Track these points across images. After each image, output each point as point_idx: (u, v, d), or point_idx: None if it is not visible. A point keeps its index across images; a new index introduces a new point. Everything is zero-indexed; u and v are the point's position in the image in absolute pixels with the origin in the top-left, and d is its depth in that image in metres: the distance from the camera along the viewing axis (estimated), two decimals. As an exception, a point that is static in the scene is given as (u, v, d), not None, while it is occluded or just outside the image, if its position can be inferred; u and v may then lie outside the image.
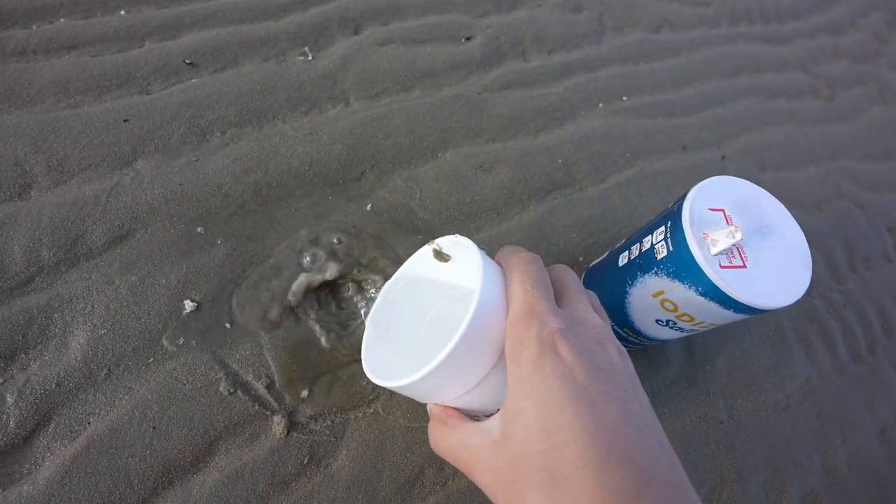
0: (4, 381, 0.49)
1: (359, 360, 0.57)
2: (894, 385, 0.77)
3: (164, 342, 0.53)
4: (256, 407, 0.53)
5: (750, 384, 0.71)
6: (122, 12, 0.71)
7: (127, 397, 0.51)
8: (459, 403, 0.38)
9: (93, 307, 0.54)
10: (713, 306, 0.46)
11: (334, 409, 0.54)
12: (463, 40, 0.82)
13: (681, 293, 0.48)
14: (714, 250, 0.45)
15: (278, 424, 0.52)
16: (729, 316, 0.47)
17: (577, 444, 0.25)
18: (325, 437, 0.53)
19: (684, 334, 0.55)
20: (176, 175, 0.61)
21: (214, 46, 0.70)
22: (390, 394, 0.56)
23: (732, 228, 0.44)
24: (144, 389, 0.51)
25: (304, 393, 0.54)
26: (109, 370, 0.51)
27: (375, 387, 0.56)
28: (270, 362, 0.54)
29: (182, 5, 0.73)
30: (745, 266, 0.45)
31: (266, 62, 0.71)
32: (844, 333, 0.79)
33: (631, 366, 0.33)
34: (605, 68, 0.89)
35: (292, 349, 0.55)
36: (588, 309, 0.36)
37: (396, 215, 0.64)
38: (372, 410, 0.55)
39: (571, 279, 0.40)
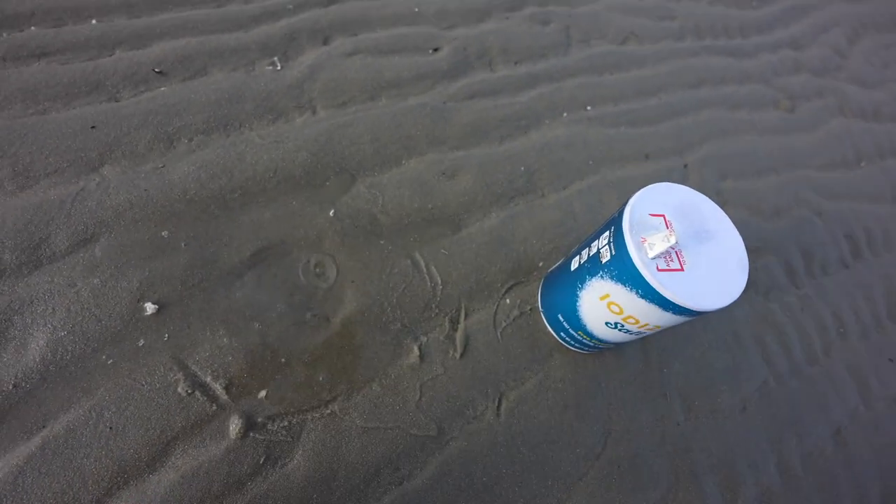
0: (-39, 382, 0.50)
1: (319, 360, 0.58)
2: (849, 387, 0.79)
3: (124, 344, 0.54)
4: (214, 407, 0.54)
5: (707, 387, 0.73)
6: (94, 21, 0.72)
7: (85, 398, 0.52)
8: None
9: (53, 310, 0.54)
10: (653, 308, 0.48)
11: (291, 410, 0.55)
12: (430, 51, 0.84)
13: (624, 296, 0.50)
14: (651, 254, 0.46)
15: (235, 425, 0.53)
16: (670, 318, 0.49)
17: None
18: (281, 438, 0.54)
19: (633, 336, 0.56)
20: (142, 181, 0.62)
21: (184, 56, 0.72)
22: (347, 395, 0.57)
23: (668, 233, 0.46)
24: (102, 391, 0.52)
25: (262, 393, 0.55)
26: (68, 371, 0.52)
27: (333, 388, 0.57)
28: (230, 363, 0.55)
29: (153, 15, 0.74)
30: (682, 269, 0.47)
31: (235, 71, 0.73)
32: (800, 337, 0.81)
33: None
34: (571, 79, 0.92)
35: (253, 350, 0.57)
36: None
37: (359, 221, 0.66)
38: (329, 411, 0.56)
39: None
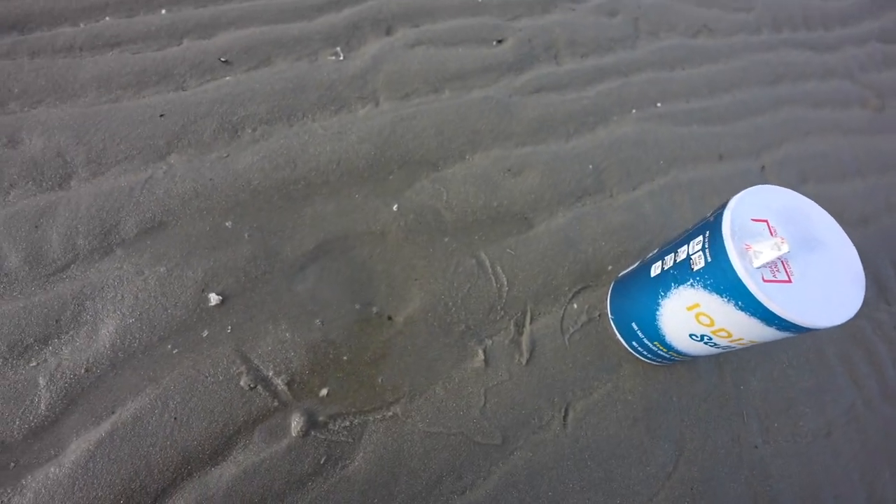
0: (38, 364, 0.50)
1: (382, 360, 0.56)
2: (947, 415, 0.72)
3: (189, 334, 0.54)
4: (276, 403, 0.53)
5: (787, 407, 0.67)
6: (164, 11, 0.73)
7: (151, 387, 0.51)
8: None
9: (123, 296, 0.55)
10: (754, 323, 0.44)
11: (353, 410, 0.54)
12: (494, 43, 0.81)
13: (718, 307, 0.46)
14: (757, 263, 0.42)
15: (297, 422, 0.52)
16: (770, 333, 0.44)
17: None
18: (342, 438, 0.52)
19: (719, 351, 0.52)
20: (207, 170, 0.62)
21: (249, 45, 0.72)
22: (410, 397, 0.55)
23: (778, 240, 0.42)
24: (168, 380, 0.52)
25: (324, 392, 0.54)
26: (136, 359, 0.52)
27: (396, 390, 0.55)
28: (292, 359, 0.54)
29: (219, 5, 0.74)
30: (789, 281, 0.42)
31: (298, 61, 0.72)
32: (893, 357, 0.74)
33: None
34: (640, 73, 0.87)
35: (314, 347, 0.55)
36: None
37: (423, 216, 0.64)
38: (391, 413, 0.54)
39: None
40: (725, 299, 0.44)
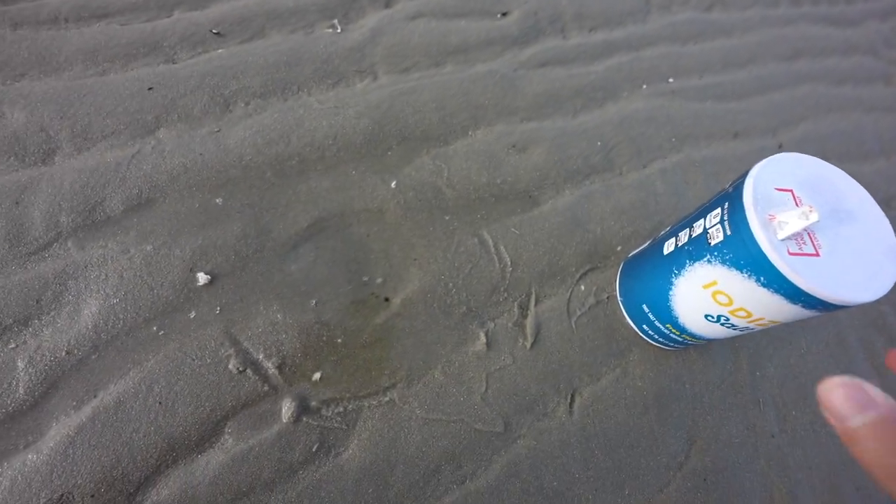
0: (17, 345, 0.48)
1: (378, 343, 0.53)
2: (976, 406, 0.68)
3: (175, 315, 0.51)
4: (266, 388, 0.50)
5: (805, 395, 0.64)
6: (153, -18, 0.70)
7: (135, 370, 0.49)
8: None
9: (107, 276, 0.52)
10: (776, 300, 0.40)
11: (347, 395, 0.51)
12: (499, 15, 0.77)
13: (738, 284, 0.42)
14: (781, 234, 0.39)
15: (288, 408, 0.49)
16: (794, 312, 0.41)
17: None
18: (336, 425, 0.50)
19: (736, 333, 0.49)
20: (197, 145, 0.59)
21: (242, 17, 0.69)
22: (407, 382, 0.52)
23: (806, 208, 0.38)
24: (153, 363, 0.49)
25: (317, 376, 0.51)
26: (119, 341, 0.50)
27: (393, 374, 0.52)
28: (284, 341, 0.52)
29: (212, -24, 0.71)
30: (817, 254, 0.39)
31: (293, 34, 0.69)
32: (917, 345, 0.70)
33: None
34: (651, 48, 0.83)
35: (307, 329, 0.52)
36: None
37: (423, 194, 0.61)
38: (388, 399, 0.51)
39: None
40: (746, 275, 0.41)
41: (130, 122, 0.60)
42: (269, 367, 0.51)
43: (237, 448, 0.48)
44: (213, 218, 0.56)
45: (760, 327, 0.46)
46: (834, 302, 0.38)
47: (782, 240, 0.39)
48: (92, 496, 0.44)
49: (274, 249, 0.55)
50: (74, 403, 0.47)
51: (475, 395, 0.53)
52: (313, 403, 0.50)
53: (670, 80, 0.80)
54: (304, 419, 0.49)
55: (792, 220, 0.38)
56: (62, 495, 0.43)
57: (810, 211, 0.38)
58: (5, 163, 0.55)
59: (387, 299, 0.55)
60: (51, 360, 0.48)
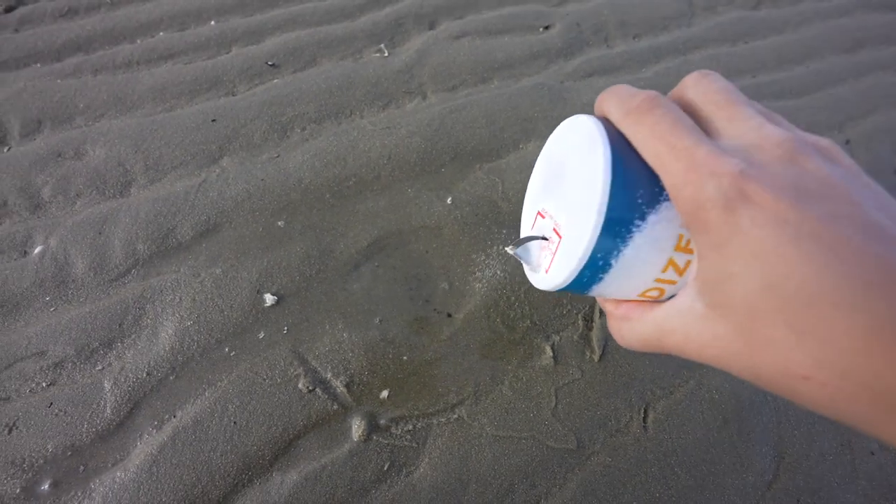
0: (103, 367, 0.50)
1: (443, 359, 0.53)
2: None
3: (245, 336, 0.53)
4: (335, 406, 0.50)
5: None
6: (213, 22, 0.74)
7: (210, 390, 0.50)
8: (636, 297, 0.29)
9: (181, 299, 0.54)
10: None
11: (416, 413, 0.50)
12: (541, 29, 0.78)
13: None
14: (542, 265, 0.31)
15: (358, 426, 0.49)
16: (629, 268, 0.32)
17: (813, 285, 0.21)
18: (406, 443, 0.49)
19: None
20: (258, 170, 0.62)
21: (295, 48, 0.72)
22: (475, 398, 0.51)
23: (544, 237, 0.31)
24: (226, 383, 0.51)
25: (385, 394, 0.51)
26: (194, 362, 0.51)
27: (460, 390, 0.52)
28: (350, 360, 0.52)
29: (265, 12, 0.75)
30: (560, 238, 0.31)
31: (343, 60, 0.71)
32: None
33: (847, 160, 0.24)
34: (698, 50, 0.81)
35: (373, 346, 0.53)
36: (759, 123, 0.26)
37: (479, 208, 0.61)
38: (456, 416, 0.50)
39: (716, 91, 0.28)
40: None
41: (197, 153, 0.63)
42: (338, 385, 0.51)
43: (310, 467, 0.48)
44: (277, 240, 0.58)
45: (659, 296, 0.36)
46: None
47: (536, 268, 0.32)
48: (175, 515, 0.45)
49: (336, 269, 0.56)
50: (156, 423, 0.48)
51: (545, 411, 0.51)
52: (382, 422, 0.50)
53: (722, 80, 0.78)
54: (375, 437, 0.49)
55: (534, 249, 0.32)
56: (148, 514, 0.44)
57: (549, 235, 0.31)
58: (88, 196, 0.59)
59: (449, 315, 0.54)
60: (133, 381, 0.50)
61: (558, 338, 0.55)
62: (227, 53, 0.72)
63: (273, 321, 0.54)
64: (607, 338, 0.55)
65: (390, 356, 0.52)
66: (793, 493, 0.52)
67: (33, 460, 0.46)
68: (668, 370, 0.55)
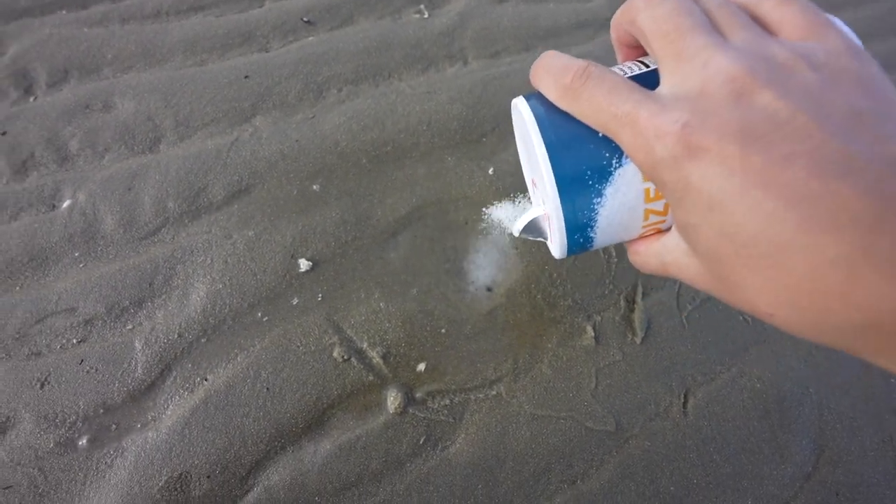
0: (133, 327, 0.49)
1: (482, 334, 0.52)
2: None
3: (278, 301, 0.51)
4: (371, 377, 0.49)
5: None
6: (245, -26, 0.71)
7: (242, 355, 0.49)
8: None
9: (212, 261, 0.53)
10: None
11: (453, 388, 0.49)
12: (589, -4, 0.74)
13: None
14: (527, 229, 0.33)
15: (394, 399, 0.48)
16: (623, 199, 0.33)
17: (764, 232, 0.22)
18: (442, 417, 0.48)
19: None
20: (293, 131, 0.59)
21: (331, 4, 0.68)
22: (514, 375, 0.50)
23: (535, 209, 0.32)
24: (259, 348, 0.49)
25: (422, 366, 0.50)
26: (226, 325, 0.50)
27: (498, 367, 0.50)
28: (387, 330, 0.50)
29: (301, -35, 0.71)
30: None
31: (381, 20, 0.68)
32: None
33: (824, 55, 0.23)
34: (752, 27, 0.77)
35: (410, 318, 0.51)
36: (706, 58, 0.21)
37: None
38: (495, 392, 0.49)
39: (665, 18, 0.26)
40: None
41: (229, 110, 0.60)
42: (374, 356, 0.50)
43: (344, 437, 0.47)
44: (312, 204, 0.56)
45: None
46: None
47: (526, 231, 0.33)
48: (208, 477, 0.44)
49: (373, 237, 0.54)
50: (188, 385, 0.47)
51: (585, 392, 0.50)
52: (419, 395, 0.49)
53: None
54: (411, 410, 0.48)
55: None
56: (181, 474, 0.44)
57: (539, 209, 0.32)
58: (117, 151, 0.57)
59: (489, 289, 0.53)
60: (165, 343, 0.49)
61: (600, 318, 0.53)
62: (261, 7, 0.68)
63: (307, 287, 0.52)
64: (650, 320, 0.54)
65: (428, 329, 0.51)
66: (832, 486, 0.51)
67: (66, 416, 0.45)
68: (710, 356, 0.54)
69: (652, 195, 0.28)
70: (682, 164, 0.23)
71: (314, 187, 0.56)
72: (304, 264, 0.53)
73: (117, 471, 0.44)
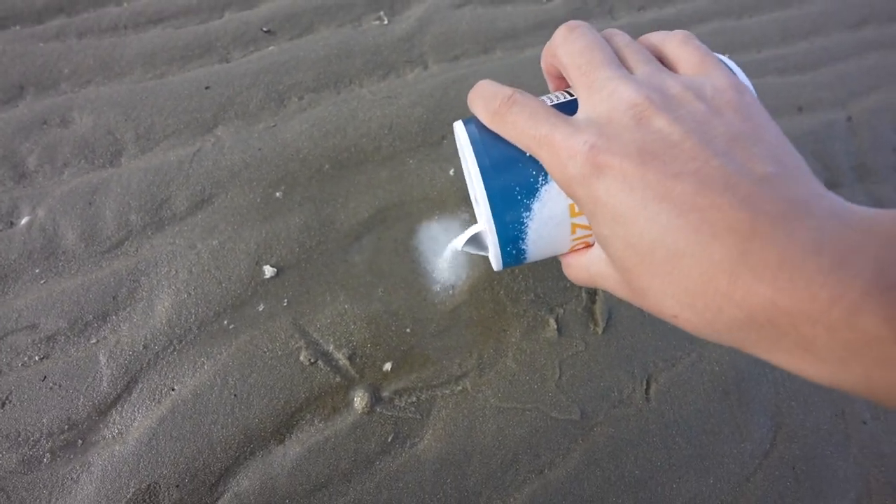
0: (98, 340, 0.49)
1: (447, 331, 0.53)
2: None
3: (244, 308, 0.52)
4: (338, 378, 0.50)
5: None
6: (204, -15, 0.71)
7: (209, 363, 0.49)
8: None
9: (177, 271, 0.53)
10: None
11: (420, 385, 0.50)
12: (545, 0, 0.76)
13: None
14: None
15: (361, 398, 0.49)
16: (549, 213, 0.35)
17: (662, 241, 0.24)
18: (410, 415, 0.49)
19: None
20: (255, 140, 0.60)
21: (291, 14, 0.69)
22: (479, 370, 0.51)
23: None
24: (225, 356, 0.50)
25: (387, 366, 0.50)
26: (192, 335, 0.50)
27: (463, 362, 0.51)
28: (353, 332, 0.51)
29: (259, -24, 0.72)
30: None
31: (341, 27, 0.69)
32: None
33: (711, 90, 0.27)
34: (704, 24, 0.80)
35: (376, 319, 0.52)
36: (612, 89, 0.27)
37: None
38: (461, 388, 0.50)
39: (580, 53, 0.30)
40: None
41: (190, 121, 0.61)
42: (340, 357, 0.50)
43: (313, 439, 0.47)
44: (275, 211, 0.56)
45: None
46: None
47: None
48: (177, 486, 0.44)
49: (337, 240, 0.55)
50: (154, 396, 0.47)
51: (549, 383, 0.51)
52: (386, 394, 0.49)
53: (727, 55, 0.77)
54: (378, 409, 0.49)
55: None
56: (149, 485, 0.44)
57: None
58: (77, 166, 0.57)
59: (452, 287, 0.54)
60: (130, 355, 0.49)
61: (562, 310, 0.54)
62: (220, 18, 0.69)
63: (273, 293, 0.53)
64: (611, 310, 0.55)
65: (393, 328, 0.52)
66: (789, 461, 0.53)
67: (29, 434, 0.45)
68: (670, 342, 0.55)
69: (577, 209, 0.30)
70: (590, 181, 0.25)
71: (277, 194, 0.57)
72: (268, 271, 0.53)
73: (83, 486, 0.44)
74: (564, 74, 0.31)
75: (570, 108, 0.30)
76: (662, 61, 0.31)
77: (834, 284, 0.19)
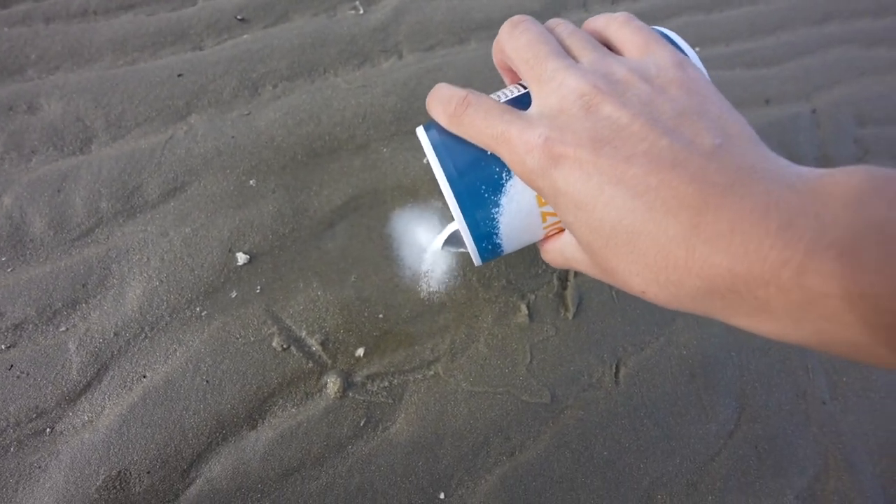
0: (67, 328, 0.49)
1: (419, 317, 0.53)
2: None
3: (217, 295, 0.52)
4: (310, 364, 0.50)
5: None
6: (176, -28, 0.70)
7: (181, 350, 0.49)
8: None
9: (148, 259, 0.52)
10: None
11: (392, 370, 0.51)
12: (520, -9, 0.76)
13: None
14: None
15: (333, 384, 0.49)
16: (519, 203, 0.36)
17: (621, 222, 0.25)
18: (382, 399, 0.50)
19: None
20: (228, 128, 0.59)
21: (265, 2, 0.69)
22: (451, 355, 0.52)
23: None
24: (198, 342, 0.50)
25: (360, 351, 0.51)
26: (164, 322, 0.50)
27: (436, 347, 0.52)
28: (325, 318, 0.51)
29: (234, -36, 0.71)
30: None
31: (316, 16, 0.69)
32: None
33: (654, 71, 0.28)
34: (675, 18, 0.81)
35: (348, 305, 0.52)
36: (560, 80, 0.28)
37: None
38: (432, 372, 0.51)
39: (525, 48, 0.30)
40: None
41: (162, 109, 0.60)
42: (313, 343, 0.50)
43: (285, 425, 0.48)
44: (248, 199, 0.56)
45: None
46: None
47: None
48: (148, 472, 0.44)
49: (310, 228, 0.55)
50: (125, 384, 0.47)
51: (520, 367, 0.52)
52: (358, 379, 0.50)
53: (696, 49, 0.79)
54: (350, 394, 0.49)
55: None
56: (120, 472, 0.44)
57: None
58: (45, 153, 0.56)
59: (426, 274, 0.54)
60: (100, 342, 0.48)
61: (534, 296, 0.55)
62: (193, 6, 0.68)
63: (246, 280, 0.53)
64: (582, 296, 0.56)
65: (366, 314, 0.52)
66: (752, 440, 0.55)
67: (-6, 421, 0.44)
68: (639, 327, 0.57)
69: (544, 200, 0.31)
70: (548, 172, 0.26)
71: (251, 182, 0.57)
72: (241, 258, 0.53)
73: (52, 474, 0.43)
74: (514, 69, 0.32)
75: (524, 100, 0.30)
76: (607, 45, 0.32)
77: (782, 247, 0.20)
